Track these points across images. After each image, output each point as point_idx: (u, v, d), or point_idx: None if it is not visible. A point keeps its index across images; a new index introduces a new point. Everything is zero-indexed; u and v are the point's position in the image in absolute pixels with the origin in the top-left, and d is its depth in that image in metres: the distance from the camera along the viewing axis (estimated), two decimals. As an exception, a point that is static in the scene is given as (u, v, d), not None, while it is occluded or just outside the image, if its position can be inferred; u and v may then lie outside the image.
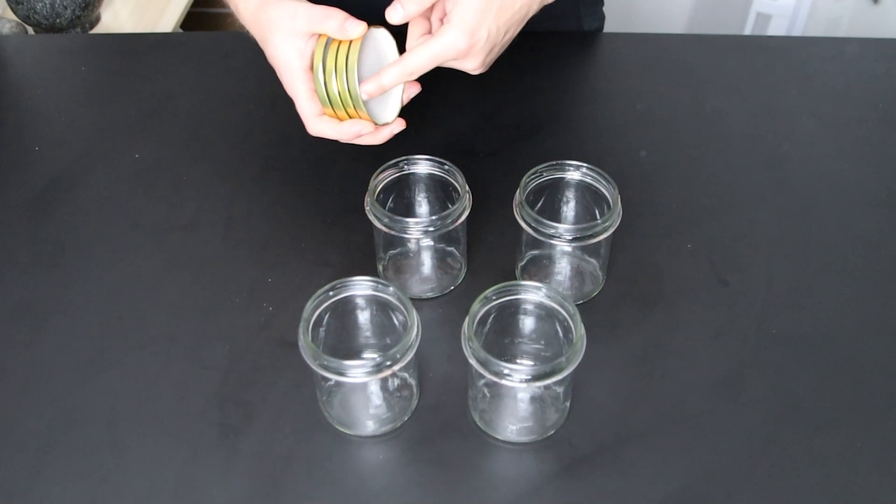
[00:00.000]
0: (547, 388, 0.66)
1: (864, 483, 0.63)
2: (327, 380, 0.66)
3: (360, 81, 0.70)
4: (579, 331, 0.61)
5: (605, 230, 0.69)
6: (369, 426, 0.67)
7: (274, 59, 0.73)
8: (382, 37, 0.74)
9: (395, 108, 0.75)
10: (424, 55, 0.69)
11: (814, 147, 0.89)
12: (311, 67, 0.71)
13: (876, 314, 0.74)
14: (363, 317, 0.68)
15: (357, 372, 0.60)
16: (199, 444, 0.66)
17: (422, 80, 0.73)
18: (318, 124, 0.73)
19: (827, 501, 0.62)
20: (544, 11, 0.76)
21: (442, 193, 0.75)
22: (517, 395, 0.66)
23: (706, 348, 0.71)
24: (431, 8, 0.72)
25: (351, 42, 0.70)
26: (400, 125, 0.75)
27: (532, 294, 0.65)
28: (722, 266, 0.78)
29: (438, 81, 0.78)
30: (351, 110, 0.71)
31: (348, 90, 0.70)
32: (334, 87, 0.70)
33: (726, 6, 2.03)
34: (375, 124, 0.73)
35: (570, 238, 0.68)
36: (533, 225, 0.69)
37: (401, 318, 0.65)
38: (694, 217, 0.82)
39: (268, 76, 0.75)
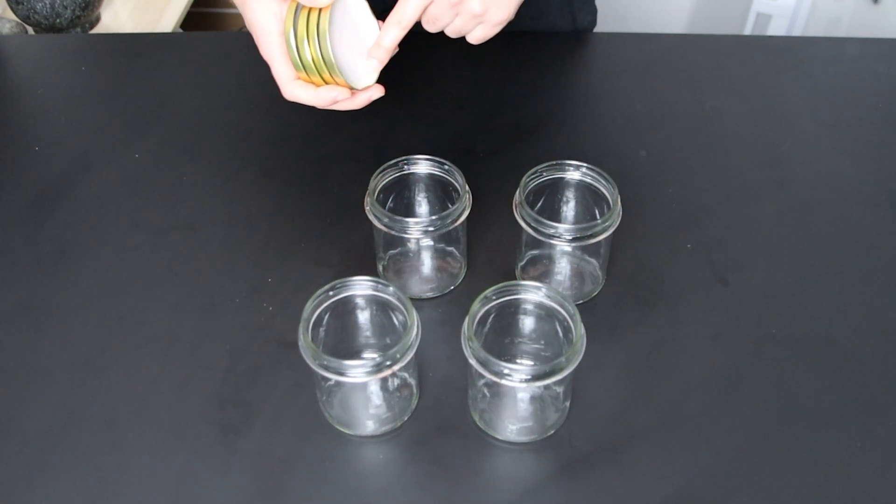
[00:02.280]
0: (547, 387, 0.66)
1: (864, 483, 0.63)
2: (327, 380, 0.66)
3: (332, 46, 0.68)
4: (579, 331, 0.61)
5: (605, 230, 0.69)
6: (369, 426, 0.67)
7: (250, 22, 0.71)
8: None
9: (374, 73, 0.72)
10: None
11: (814, 147, 0.89)
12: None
13: (876, 314, 0.74)
14: (363, 317, 0.68)
15: (357, 372, 0.60)
16: (199, 444, 0.65)
17: (423, 79, 0.72)
18: (294, 89, 0.71)
19: (827, 501, 0.62)
20: (539, 7, 0.75)
21: (442, 193, 0.75)
22: (517, 394, 0.66)
23: (706, 348, 0.71)
24: None
25: (321, 7, 0.68)
26: (379, 91, 0.72)
27: (532, 294, 0.65)
28: (722, 266, 0.78)
29: (439, 81, 0.78)
30: (326, 76, 0.69)
31: (321, 56, 0.68)
32: (307, 53, 0.68)
33: (726, 6, 2.03)
34: (352, 90, 0.71)
35: (570, 238, 0.68)
36: (533, 225, 0.69)
37: (401, 318, 0.65)
38: (694, 217, 0.82)
39: (268, 76, 0.75)
